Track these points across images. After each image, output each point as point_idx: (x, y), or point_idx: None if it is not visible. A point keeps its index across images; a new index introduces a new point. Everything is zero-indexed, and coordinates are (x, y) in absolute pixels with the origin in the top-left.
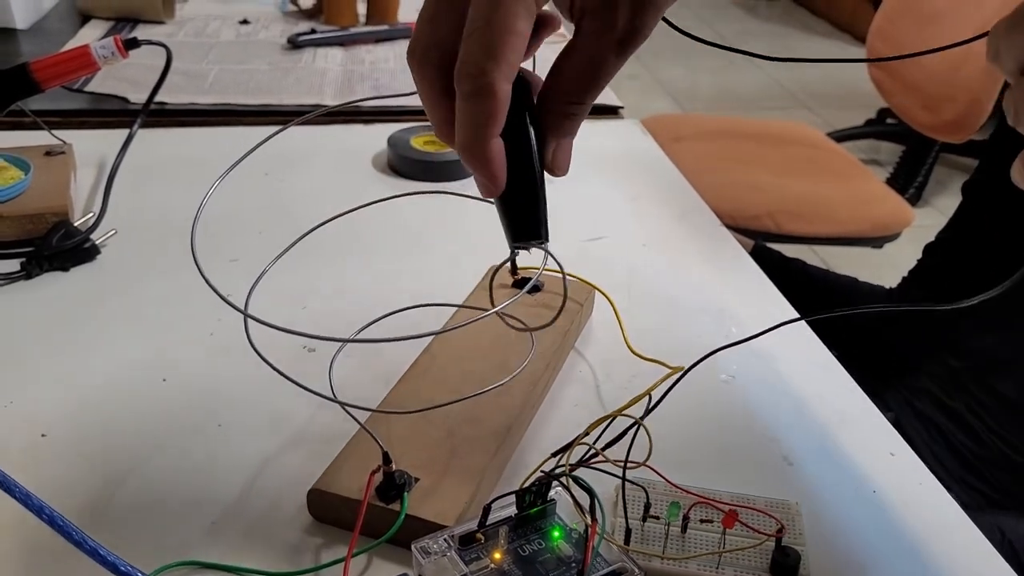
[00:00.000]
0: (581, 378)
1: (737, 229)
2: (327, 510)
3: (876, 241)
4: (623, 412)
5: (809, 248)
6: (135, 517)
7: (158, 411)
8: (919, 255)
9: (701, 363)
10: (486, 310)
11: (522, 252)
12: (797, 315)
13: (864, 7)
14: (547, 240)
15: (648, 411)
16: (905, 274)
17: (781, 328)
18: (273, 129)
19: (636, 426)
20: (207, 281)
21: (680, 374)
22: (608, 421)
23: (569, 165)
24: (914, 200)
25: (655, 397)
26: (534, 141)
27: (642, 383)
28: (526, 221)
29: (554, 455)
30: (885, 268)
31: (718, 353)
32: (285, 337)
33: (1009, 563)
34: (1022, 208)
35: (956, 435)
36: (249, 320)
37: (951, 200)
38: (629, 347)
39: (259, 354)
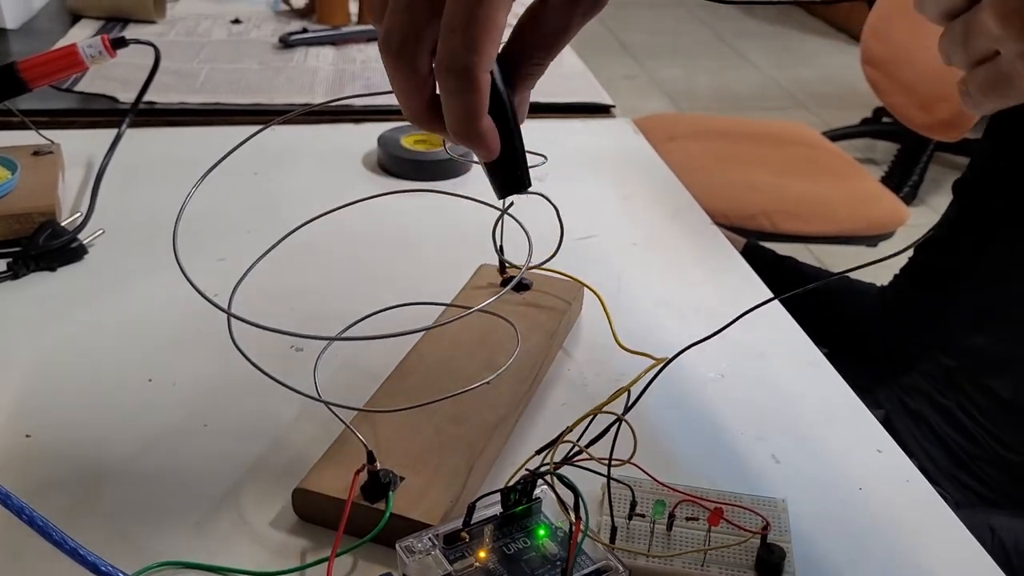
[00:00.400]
0: (569, 377)
1: (733, 228)
2: (312, 509)
3: (871, 240)
4: (604, 409)
5: (804, 246)
6: (119, 517)
7: (144, 411)
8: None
9: (690, 361)
10: (472, 308)
11: (514, 256)
12: (785, 313)
13: (859, 6)
14: (531, 185)
15: (628, 408)
16: (897, 272)
17: (770, 327)
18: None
19: (618, 422)
20: (190, 281)
21: (660, 367)
22: (591, 418)
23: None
24: (909, 199)
25: (635, 392)
26: (510, 104)
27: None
28: (513, 174)
29: (538, 452)
30: (880, 266)
31: (708, 352)
32: (272, 336)
33: (999, 561)
34: (1012, 206)
35: (948, 433)
36: (234, 320)
37: (946, 198)
38: (617, 341)
39: (243, 354)
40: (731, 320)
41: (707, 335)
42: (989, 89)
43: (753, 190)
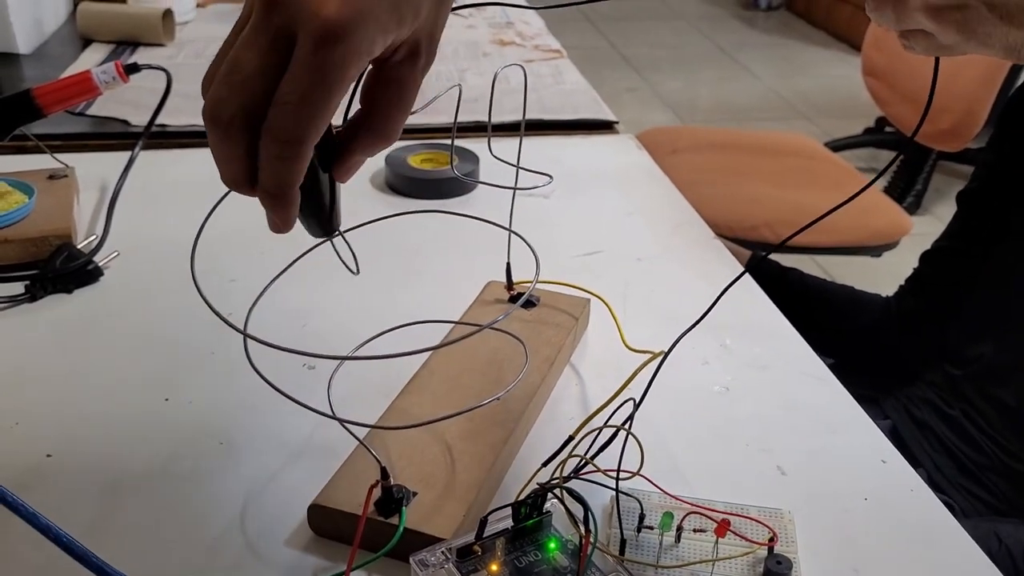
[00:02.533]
0: (577, 391)
1: (735, 240)
2: (327, 525)
3: (875, 250)
4: (610, 422)
5: (809, 257)
6: (139, 534)
7: (161, 430)
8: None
9: (696, 375)
10: (481, 325)
11: (518, 268)
12: (787, 323)
13: (860, 17)
14: (334, 232)
15: (635, 408)
16: (902, 282)
17: (774, 340)
18: None
19: (618, 432)
20: (208, 303)
21: (661, 359)
22: (598, 430)
23: None
24: (913, 208)
25: (639, 391)
26: (325, 173)
27: (637, 395)
28: (323, 225)
29: (544, 464)
30: (884, 277)
31: (713, 366)
32: (286, 355)
33: (1005, 569)
34: (1017, 215)
35: (955, 442)
36: (248, 340)
37: (950, 207)
38: (624, 341)
39: (259, 373)
40: (713, 301)
41: (696, 320)
42: (933, 51)
43: (755, 202)
